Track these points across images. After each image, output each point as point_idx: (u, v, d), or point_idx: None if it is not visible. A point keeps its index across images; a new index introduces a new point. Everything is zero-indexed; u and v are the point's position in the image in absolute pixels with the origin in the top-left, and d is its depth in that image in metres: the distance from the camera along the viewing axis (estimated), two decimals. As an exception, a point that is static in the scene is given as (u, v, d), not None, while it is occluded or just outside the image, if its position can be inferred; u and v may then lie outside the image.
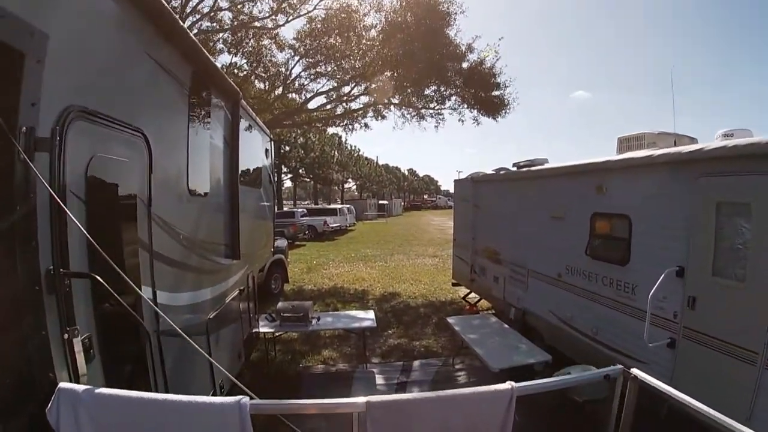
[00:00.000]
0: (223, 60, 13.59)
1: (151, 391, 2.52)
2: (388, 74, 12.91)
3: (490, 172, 8.19)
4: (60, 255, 1.76)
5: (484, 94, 13.46)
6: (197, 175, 3.60)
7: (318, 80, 14.31)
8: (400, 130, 27.17)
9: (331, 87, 14.39)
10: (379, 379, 5.79)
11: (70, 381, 1.76)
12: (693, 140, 4.89)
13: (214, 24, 13.27)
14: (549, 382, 1.82)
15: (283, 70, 14.15)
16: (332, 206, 33.95)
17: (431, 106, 14.60)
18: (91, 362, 1.95)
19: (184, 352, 3.11)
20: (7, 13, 1.57)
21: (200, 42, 3.70)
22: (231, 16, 13.30)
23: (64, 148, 1.83)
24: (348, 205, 34.45)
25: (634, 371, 1.74)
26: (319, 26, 12.89)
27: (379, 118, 15.72)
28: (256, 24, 13.19)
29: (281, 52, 14.04)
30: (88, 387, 1.58)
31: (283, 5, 12.83)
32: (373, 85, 13.51)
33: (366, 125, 16.16)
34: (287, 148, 37.61)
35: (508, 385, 1.76)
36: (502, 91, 13.56)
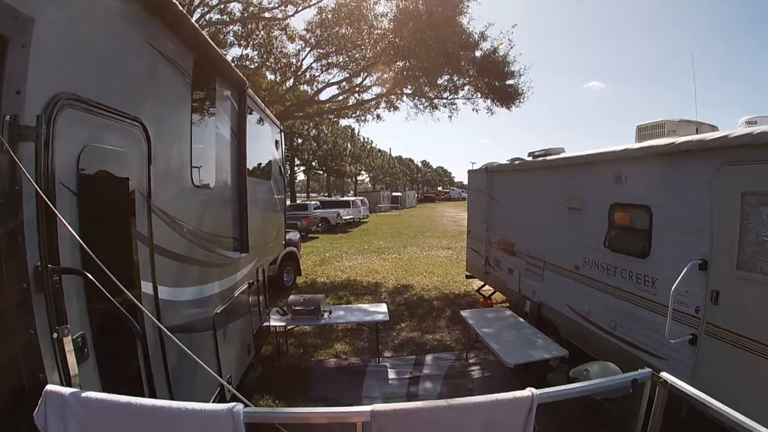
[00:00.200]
0: (234, 53, 13.55)
1: (153, 390, 2.45)
2: (401, 64, 12.71)
3: (504, 162, 8.01)
4: (48, 250, 1.67)
5: (497, 83, 13.20)
6: (202, 166, 3.51)
7: (329, 71, 14.20)
8: (413, 121, 26.90)
9: (342, 77, 14.28)
10: (392, 374, 5.70)
11: (61, 382, 1.69)
12: (714, 128, 4.68)
13: (224, 16, 13.19)
14: (572, 388, 1.66)
15: (294, 61, 14.05)
16: (345, 198, 33.95)
17: (444, 95, 14.39)
18: (85, 362, 1.87)
19: (187, 348, 3.05)
20: None
21: (210, 35, 3.59)
22: (240, 8, 13.22)
23: (53, 137, 1.73)
24: (361, 198, 34.41)
25: (664, 375, 1.59)
26: (329, 16, 12.72)
27: (392, 109, 15.61)
28: (266, 15, 13.07)
29: (292, 43, 13.95)
30: (74, 390, 1.50)
31: (293, -5, 12.70)
32: (385, 75, 13.33)
33: (378, 116, 16.09)
34: (300, 141, 37.65)
35: (527, 391, 1.60)
36: (516, 80, 13.30)
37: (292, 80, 14.38)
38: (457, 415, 1.52)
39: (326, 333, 7.13)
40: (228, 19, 13.19)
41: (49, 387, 1.52)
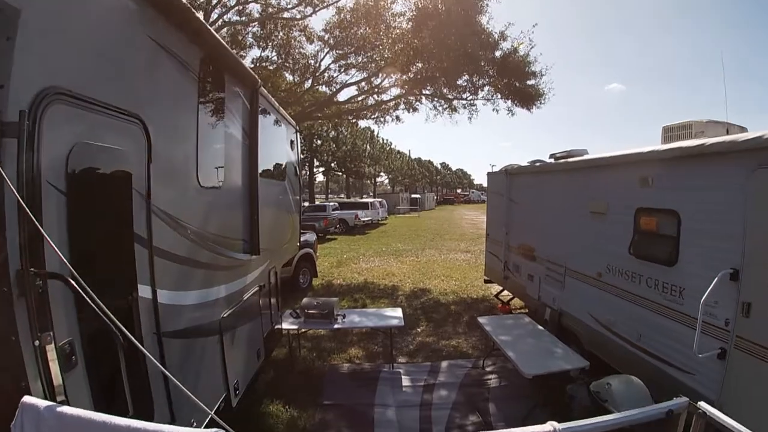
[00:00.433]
0: (253, 54, 13.63)
1: (151, 400, 2.36)
2: (419, 65, 12.57)
3: (525, 164, 7.79)
4: (29, 253, 1.58)
5: (518, 83, 12.95)
6: (209, 166, 3.42)
7: (348, 71, 14.14)
8: (432, 122, 26.79)
9: (361, 77, 14.20)
10: (406, 380, 5.54)
11: (44, 391, 1.59)
12: (743, 129, 4.42)
13: (243, 18, 13.25)
14: (598, 421, 1.50)
15: (313, 62, 14.05)
16: (364, 200, 33.89)
17: (464, 96, 14.17)
18: (73, 370, 1.77)
19: (190, 354, 2.95)
20: None
21: (230, 36, 3.50)
22: (259, 9, 13.25)
23: (39, 133, 1.64)
24: (380, 199, 34.32)
25: (703, 406, 1.40)
26: (347, 16, 12.66)
27: (411, 110, 15.48)
28: (285, 15, 13.08)
29: (311, 44, 13.95)
30: (50, 404, 1.40)
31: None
32: (404, 76, 13.20)
33: (398, 118, 15.99)
34: (319, 142, 37.76)
35: (549, 426, 1.47)
36: (537, 81, 13.02)
37: (310, 81, 14.38)
38: None
39: (340, 336, 7.01)
40: (246, 20, 13.25)
41: (25, 399, 1.43)
